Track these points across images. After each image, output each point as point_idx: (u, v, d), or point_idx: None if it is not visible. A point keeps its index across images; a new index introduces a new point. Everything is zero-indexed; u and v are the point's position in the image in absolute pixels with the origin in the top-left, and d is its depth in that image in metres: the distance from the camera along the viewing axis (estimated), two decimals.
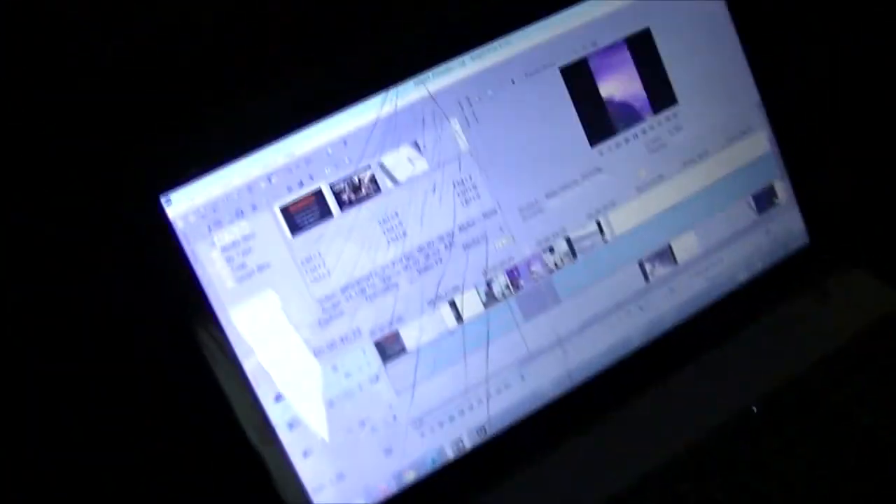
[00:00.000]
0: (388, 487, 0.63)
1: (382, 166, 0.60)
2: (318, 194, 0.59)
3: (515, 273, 0.64)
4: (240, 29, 0.63)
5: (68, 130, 0.60)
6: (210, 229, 0.58)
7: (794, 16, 0.75)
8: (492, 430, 0.65)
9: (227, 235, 0.58)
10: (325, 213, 0.59)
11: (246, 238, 0.58)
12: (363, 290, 0.61)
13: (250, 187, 0.58)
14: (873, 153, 0.77)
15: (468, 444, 0.64)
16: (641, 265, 0.68)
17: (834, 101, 0.77)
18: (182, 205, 0.57)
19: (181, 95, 0.61)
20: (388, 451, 0.62)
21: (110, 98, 0.61)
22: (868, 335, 0.68)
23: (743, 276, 0.71)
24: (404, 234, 0.61)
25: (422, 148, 0.61)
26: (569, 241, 0.65)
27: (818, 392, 0.65)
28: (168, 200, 0.57)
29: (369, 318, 0.61)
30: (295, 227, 0.59)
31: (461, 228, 0.62)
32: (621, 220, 0.67)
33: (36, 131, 0.59)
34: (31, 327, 0.60)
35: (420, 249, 0.62)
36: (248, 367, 0.59)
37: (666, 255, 0.68)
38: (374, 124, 0.60)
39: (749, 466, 0.61)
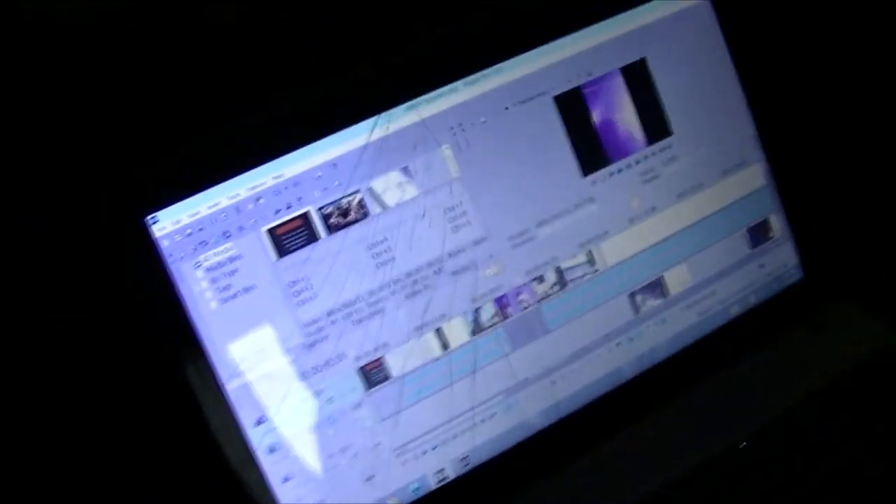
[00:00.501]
0: None
1: (371, 191, 0.60)
2: (306, 217, 0.59)
3: (504, 301, 0.64)
4: (232, 51, 0.64)
5: (56, 147, 0.60)
6: (196, 249, 0.58)
7: (791, 49, 0.76)
8: (476, 461, 0.65)
9: (212, 256, 0.58)
10: (313, 236, 0.60)
11: (232, 259, 0.58)
12: (349, 315, 0.61)
13: (238, 208, 0.58)
14: (869, 188, 0.77)
15: (451, 474, 0.64)
16: (632, 297, 0.68)
17: (831, 135, 0.77)
18: (168, 224, 0.57)
19: (171, 114, 0.62)
20: (370, 479, 0.62)
21: (99, 115, 0.61)
22: (860, 370, 0.68)
23: (735, 310, 0.71)
24: (392, 259, 0.61)
25: (412, 173, 0.61)
26: (559, 270, 0.65)
27: (808, 427, 0.65)
28: (154, 219, 0.57)
29: (354, 343, 0.61)
30: (282, 250, 0.59)
31: (450, 255, 0.62)
32: (613, 251, 0.67)
33: (23, 147, 0.60)
34: (10, 343, 0.61)
35: (408, 275, 0.62)
36: (230, 389, 0.59)
37: (657, 287, 0.68)
38: (365, 148, 0.60)
39: (736, 503, 0.61)
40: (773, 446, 0.64)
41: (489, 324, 0.64)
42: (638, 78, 0.67)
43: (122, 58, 0.61)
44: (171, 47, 0.63)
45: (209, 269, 0.58)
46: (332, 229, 0.60)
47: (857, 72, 0.76)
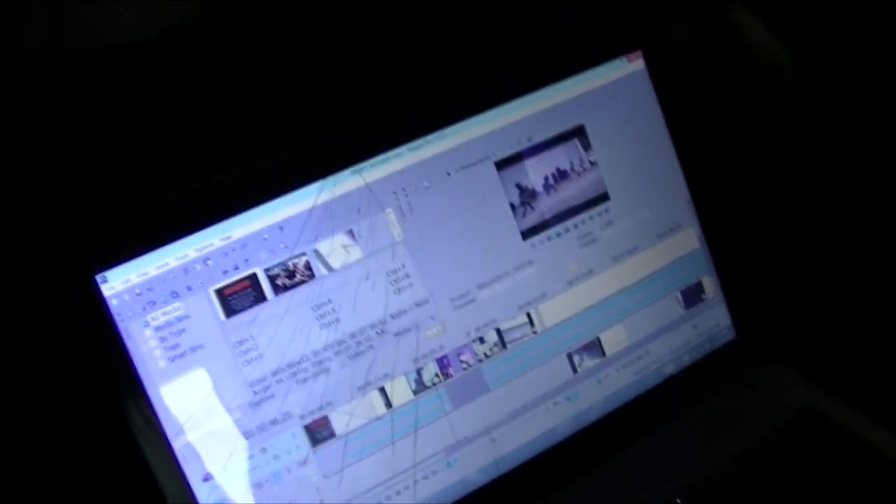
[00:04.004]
0: None
1: (317, 253, 0.65)
2: (253, 278, 0.64)
3: (445, 362, 0.69)
4: (182, 112, 0.68)
5: (7, 206, 0.64)
6: (144, 309, 0.62)
7: (725, 116, 0.82)
8: None
9: (161, 316, 0.62)
10: (260, 297, 0.64)
11: (180, 319, 0.62)
12: (294, 374, 0.65)
13: (186, 269, 0.62)
14: (800, 251, 0.83)
15: None
16: (570, 357, 0.73)
17: (762, 199, 0.83)
18: (118, 283, 0.61)
19: (121, 175, 0.66)
20: None
21: (50, 174, 0.65)
22: (790, 428, 0.73)
23: (670, 370, 0.77)
24: (337, 320, 0.66)
25: (356, 236, 0.66)
26: (499, 331, 0.71)
27: (741, 484, 0.69)
28: (104, 278, 0.61)
29: (300, 401, 0.65)
30: (229, 310, 0.63)
31: (393, 316, 0.67)
32: (551, 313, 0.72)
33: None
34: None
35: (352, 336, 0.66)
36: (178, 445, 0.62)
37: (594, 347, 0.74)
38: (311, 211, 0.65)
39: None
40: (706, 502, 0.69)
41: (431, 383, 0.69)
42: (577, 143, 0.73)
43: (76, 117, 0.65)
44: (124, 107, 0.66)
45: (158, 329, 0.62)
46: (278, 290, 0.64)
47: (787, 139, 0.82)
